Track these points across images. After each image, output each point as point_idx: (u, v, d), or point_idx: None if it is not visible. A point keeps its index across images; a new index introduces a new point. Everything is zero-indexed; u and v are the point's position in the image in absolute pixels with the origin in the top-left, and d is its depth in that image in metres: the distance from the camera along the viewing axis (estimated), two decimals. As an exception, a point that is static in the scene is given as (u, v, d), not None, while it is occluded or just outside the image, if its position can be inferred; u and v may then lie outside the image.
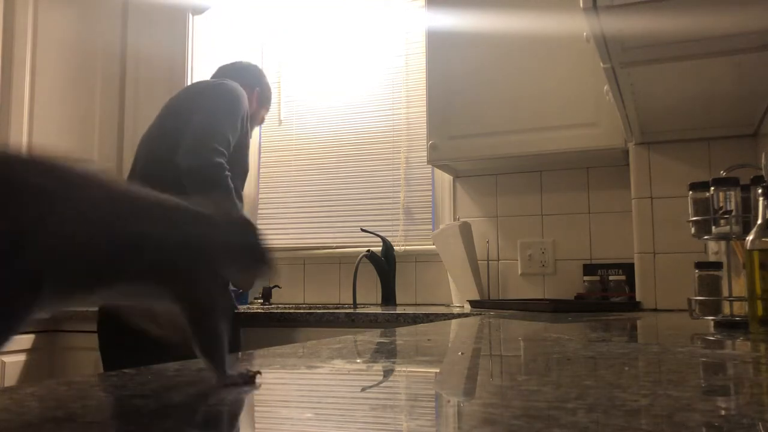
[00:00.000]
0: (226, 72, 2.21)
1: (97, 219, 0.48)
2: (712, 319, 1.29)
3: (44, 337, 2.35)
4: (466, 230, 2.35)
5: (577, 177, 2.49)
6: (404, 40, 2.87)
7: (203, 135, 1.81)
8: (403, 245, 2.73)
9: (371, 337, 1.12)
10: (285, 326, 2.10)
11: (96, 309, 1.93)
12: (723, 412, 0.46)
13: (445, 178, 2.70)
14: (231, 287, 1.98)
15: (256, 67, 2.30)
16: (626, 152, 2.18)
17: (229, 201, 1.78)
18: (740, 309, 1.24)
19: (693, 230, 1.38)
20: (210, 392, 0.54)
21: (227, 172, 1.80)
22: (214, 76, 2.23)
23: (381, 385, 0.66)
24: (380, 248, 2.67)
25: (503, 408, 0.47)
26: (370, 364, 0.78)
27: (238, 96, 1.96)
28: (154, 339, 1.92)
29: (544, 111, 2.23)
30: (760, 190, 1.18)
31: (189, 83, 2.79)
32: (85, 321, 2.35)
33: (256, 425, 0.46)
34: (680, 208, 2.01)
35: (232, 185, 1.81)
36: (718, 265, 1.29)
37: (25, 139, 2.69)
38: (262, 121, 2.33)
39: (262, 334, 2.13)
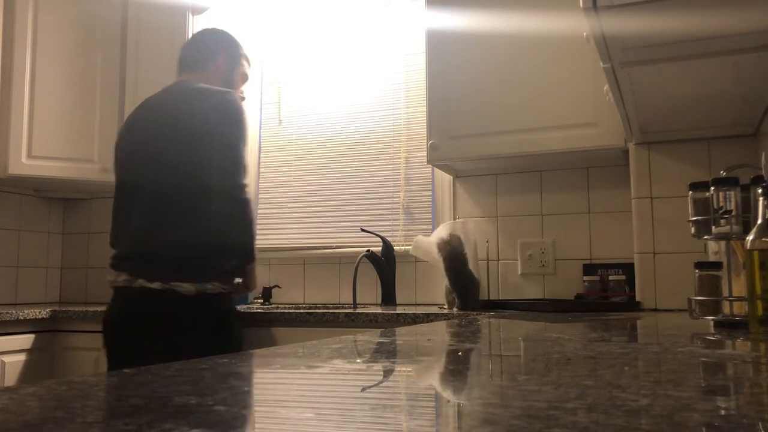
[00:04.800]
0: (190, 52, 2.17)
1: None
2: (712, 319, 1.29)
3: (44, 337, 2.35)
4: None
5: (577, 177, 2.49)
6: (404, 40, 2.87)
7: (230, 176, 1.92)
8: (403, 245, 2.73)
9: (371, 337, 1.12)
10: (285, 326, 2.10)
11: (104, 312, 1.97)
12: (723, 412, 0.46)
13: (445, 178, 2.70)
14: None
15: (213, 31, 2.23)
16: (626, 152, 2.18)
17: (249, 233, 1.99)
18: (740, 309, 1.25)
19: (693, 230, 1.38)
20: (210, 392, 0.54)
21: (251, 204, 1.97)
22: (182, 57, 2.18)
23: (381, 385, 0.66)
24: (380, 248, 2.67)
25: (503, 408, 0.47)
26: (370, 364, 0.78)
27: (243, 112, 2.00)
28: (198, 343, 1.90)
29: (544, 111, 2.23)
30: (760, 190, 1.18)
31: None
32: (85, 321, 2.36)
33: (257, 425, 0.46)
34: (680, 208, 2.01)
35: (253, 216, 2.00)
36: (718, 265, 1.29)
37: (25, 138, 2.69)
38: (245, 78, 2.25)
39: (262, 334, 2.13)
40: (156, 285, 1.84)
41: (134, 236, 1.94)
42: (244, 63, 2.24)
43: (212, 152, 1.92)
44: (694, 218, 1.37)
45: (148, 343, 1.83)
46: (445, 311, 2.10)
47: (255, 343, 2.12)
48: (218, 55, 2.16)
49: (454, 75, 2.37)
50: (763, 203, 1.16)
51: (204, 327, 1.87)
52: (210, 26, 2.28)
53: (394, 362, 0.81)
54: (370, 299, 2.74)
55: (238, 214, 1.93)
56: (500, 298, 2.51)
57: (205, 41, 2.19)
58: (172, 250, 1.89)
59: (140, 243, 1.93)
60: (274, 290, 2.84)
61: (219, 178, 1.91)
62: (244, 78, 2.25)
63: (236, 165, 1.94)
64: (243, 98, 2.25)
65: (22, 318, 2.25)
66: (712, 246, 1.33)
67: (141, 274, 1.86)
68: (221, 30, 2.25)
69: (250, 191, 1.98)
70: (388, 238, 2.70)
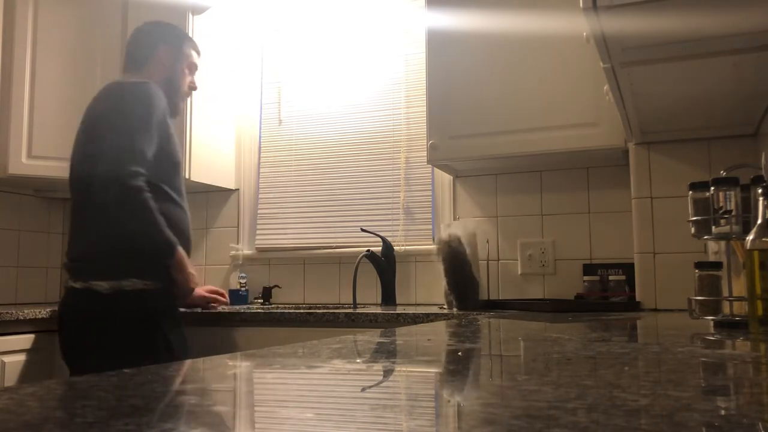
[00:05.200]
0: (131, 50, 2.15)
1: None
2: (712, 319, 1.29)
3: (44, 337, 2.35)
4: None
5: (577, 177, 2.49)
6: (404, 40, 2.87)
7: (120, 163, 1.84)
8: (403, 245, 2.73)
9: (371, 337, 1.12)
10: (285, 326, 2.10)
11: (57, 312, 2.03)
12: (723, 412, 0.46)
13: (445, 178, 2.70)
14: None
15: (152, 25, 2.20)
16: (626, 152, 2.18)
17: (149, 221, 1.85)
18: (740, 309, 1.24)
19: (693, 230, 1.38)
20: (210, 392, 0.54)
21: (147, 193, 1.84)
22: (126, 56, 2.16)
23: (381, 385, 0.66)
24: (380, 248, 2.66)
25: (503, 408, 0.47)
26: (370, 364, 0.78)
27: (150, 99, 1.94)
28: (112, 341, 1.90)
29: (544, 111, 2.23)
30: (760, 190, 1.18)
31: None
32: (85, 321, 2.35)
33: (257, 425, 0.46)
34: (680, 208, 2.01)
35: (153, 205, 1.84)
36: (718, 265, 1.29)
37: (25, 138, 2.69)
38: (193, 67, 2.21)
39: (262, 334, 2.13)
40: (78, 284, 1.91)
41: (68, 239, 2.06)
42: (191, 52, 2.20)
43: (103, 140, 1.88)
44: (694, 218, 1.37)
45: (79, 342, 1.91)
46: (445, 311, 2.10)
47: (255, 343, 2.12)
48: (158, 49, 2.13)
49: (454, 75, 2.37)
50: (763, 203, 1.16)
51: (123, 325, 1.85)
52: (151, 20, 2.24)
53: (394, 362, 0.81)
54: (370, 299, 2.74)
55: (130, 201, 1.82)
56: (500, 298, 2.51)
57: (144, 37, 2.16)
58: (88, 248, 1.95)
59: (70, 245, 2.03)
60: (274, 290, 2.84)
61: (109, 165, 1.83)
62: (192, 67, 2.21)
63: (128, 151, 1.85)
64: (194, 88, 2.23)
65: (22, 318, 2.25)
66: (712, 246, 1.33)
67: (71, 274, 1.95)
68: (161, 22, 2.22)
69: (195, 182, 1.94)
70: (388, 238, 2.69)
